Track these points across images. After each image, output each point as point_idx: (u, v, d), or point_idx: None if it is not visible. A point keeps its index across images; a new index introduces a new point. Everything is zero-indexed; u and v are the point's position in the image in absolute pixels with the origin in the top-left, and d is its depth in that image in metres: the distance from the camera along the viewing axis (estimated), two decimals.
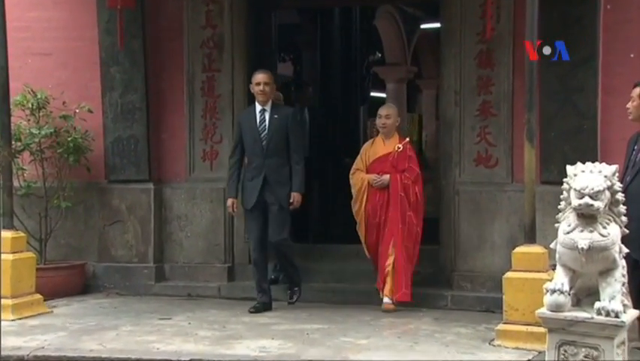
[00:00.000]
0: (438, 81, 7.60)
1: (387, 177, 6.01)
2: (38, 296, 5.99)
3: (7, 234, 5.88)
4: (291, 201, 5.90)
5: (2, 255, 5.77)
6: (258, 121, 5.99)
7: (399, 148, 6.04)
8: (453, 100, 6.44)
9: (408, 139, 6.25)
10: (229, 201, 6.04)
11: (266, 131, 5.96)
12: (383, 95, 14.27)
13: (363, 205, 6.09)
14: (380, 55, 13.45)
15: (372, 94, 14.16)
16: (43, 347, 4.76)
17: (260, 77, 6.02)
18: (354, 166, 6.20)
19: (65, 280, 6.69)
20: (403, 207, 5.95)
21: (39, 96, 6.73)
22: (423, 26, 13.10)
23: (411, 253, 5.99)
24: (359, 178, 6.12)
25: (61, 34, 7.06)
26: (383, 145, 6.14)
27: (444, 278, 6.44)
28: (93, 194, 6.99)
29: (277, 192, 5.92)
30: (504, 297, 5.02)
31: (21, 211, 6.62)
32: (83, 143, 6.81)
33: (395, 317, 5.82)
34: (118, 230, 6.92)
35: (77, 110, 6.79)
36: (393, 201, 5.98)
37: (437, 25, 7.44)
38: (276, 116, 5.98)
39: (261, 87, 5.97)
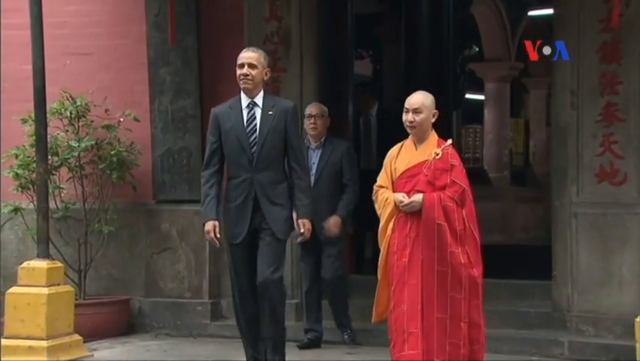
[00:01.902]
0: (549, 80, 7.46)
1: (419, 197, 4.84)
2: (77, 337, 6.12)
3: (42, 264, 6.05)
4: (302, 231, 5.13)
5: (36, 288, 5.96)
6: (245, 119, 5.08)
7: (437, 155, 4.93)
8: (569, 102, 6.31)
9: (450, 141, 5.07)
10: (209, 225, 5.05)
11: (257, 133, 5.05)
12: (481, 96, 14.11)
13: (387, 238, 4.95)
14: (478, 49, 13.32)
15: (468, 96, 14.03)
16: None
17: (243, 56, 5.12)
18: (376, 183, 5.10)
19: (107, 319, 6.83)
20: (442, 240, 4.77)
21: (78, 103, 6.93)
22: (531, 13, 12.92)
23: (459, 308, 4.75)
24: (383, 199, 4.98)
25: (104, 30, 7.26)
26: (414, 151, 4.99)
27: (559, 320, 6.29)
28: (139, 217, 7.14)
29: (272, 217, 5.05)
30: (638, 345, 4.86)
31: (57, 237, 6.81)
32: (128, 157, 6.98)
33: None
34: (168, 259, 7.02)
35: (122, 119, 6.96)
36: (426, 232, 4.80)
37: (549, 11, 7.31)
38: (270, 112, 5.08)
39: (244, 70, 5.07)
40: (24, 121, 6.76)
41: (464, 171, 4.96)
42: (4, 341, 6.07)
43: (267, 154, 5.05)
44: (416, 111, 4.96)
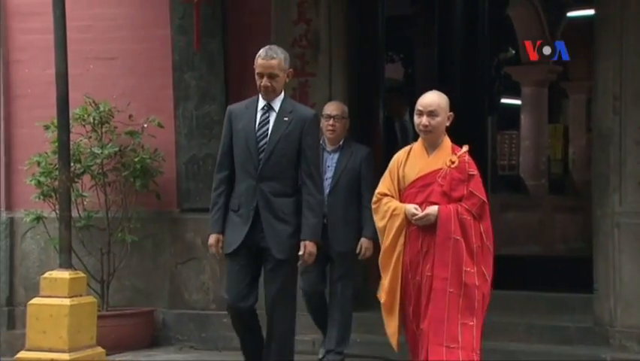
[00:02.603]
0: (590, 83, 7.41)
1: (434, 209, 4.52)
2: (100, 350, 6.17)
3: (64, 274, 6.10)
4: (301, 253, 4.77)
5: (59, 299, 6.03)
6: (257, 122, 4.85)
7: (452, 163, 4.58)
8: (611, 107, 6.27)
9: (466, 148, 4.69)
10: (212, 238, 4.90)
11: (267, 139, 4.80)
12: (518, 101, 14.05)
13: (399, 255, 4.60)
14: (514, 52, 13.26)
15: (504, 101, 13.97)
16: None
17: (263, 64, 4.83)
18: (377, 190, 4.76)
19: (131, 331, 6.89)
20: (458, 258, 4.46)
21: (102, 109, 7.02)
22: (570, 14, 12.85)
23: (471, 337, 4.46)
24: (389, 209, 4.62)
25: (128, 34, 7.34)
26: (427, 157, 4.64)
27: (601, 335, 6.25)
28: (163, 226, 7.21)
29: (272, 233, 4.75)
30: None
31: (80, 247, 6.89)
32: (152, 164, 7.05)
33: None
34: (193, 270, 7.08)
35: (145, 125, 7.04)
36: (440, 248, 4.48)
37: (589, 12, 7.29)
38: (286, 118, 4.82)
39: (264, 82, 4.83)
40: (46, 127, 6.86)
41: (482, 181, 4.67)
42: (26, 354, 6.15)
43: (275, 162, 4.77)
44: (431, 114, 4.62)
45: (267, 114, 4.85)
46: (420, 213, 4.50)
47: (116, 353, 6.54)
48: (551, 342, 6.37)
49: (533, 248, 11.38)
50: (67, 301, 6.01)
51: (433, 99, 4.66)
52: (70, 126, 6.50)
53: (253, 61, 7.08)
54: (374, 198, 4.73)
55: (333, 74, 7.01)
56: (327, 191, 5.63)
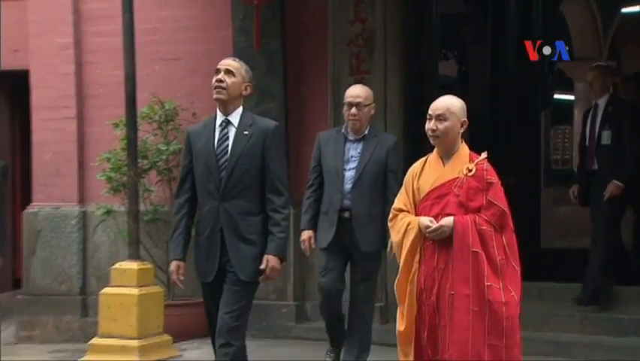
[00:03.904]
0: None
1: (449, 221, 4.01)
2: (167, 337, 6.29)
3: (133, 265, 6.24)
4: (262, 267, 4.35)
5: (128, 289, 6.16)
6: (216, 139, 4.41)
7: (470, 171, 4.06)
8: None
9: (485, 155, 4.15)
10: (172, 265, 4.51)
11: (227, 156, 4.38)
12: (571, 97, 13.83)
13: (414, 276, 4.07)
14: (567, 48, 13.07)
15: (557, 96, 13.77)
16: None
17: (222, 62, 4.49)
18: (393, 206, 4.26)
19: (196, 319, 6.93)
20: (478, 272, 3.93)
21: (167, 107, 7.12)
22: (624, 10, 12.60)
23: (501, 359, 3.92)
24: (404, 224, 4.11)
25: (192, 35, 7.44)
26: (442, 167, 4.14)
27: None
28: None
29: (237, 254, 4.35)
30: None
31: (147, 239, 7.00)
32: None
33: None
34: None
35: None
36: (458, 262, 3.96)
37: None
38: (246, 132, 4.39)
39: (219, 76, 4.42)
40: (116, 125, 6.99)
41: (502, 190, 4.10)
42: (99, 340, 6.29)
43: (237, 180, 4.35)
44: (439, 118, 4.08)
45: (225, 130, 4.42)
46: (433, 225, 4.00)
47: (182, 341, 6.63)
48: (605, 333, 6.28)
49: (586, 241, 11.19)
50: (135, 291, 6.14)
51: (442, 103, 4.14)
52: (138, 124, 6.64)
53: (311, 60, 7.21)
54: (390, 215, 4.24)
55: (388, 72, 6.99)
56: (350, 184, 5.22)
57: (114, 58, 7.06)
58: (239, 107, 4.45)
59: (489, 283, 3.91)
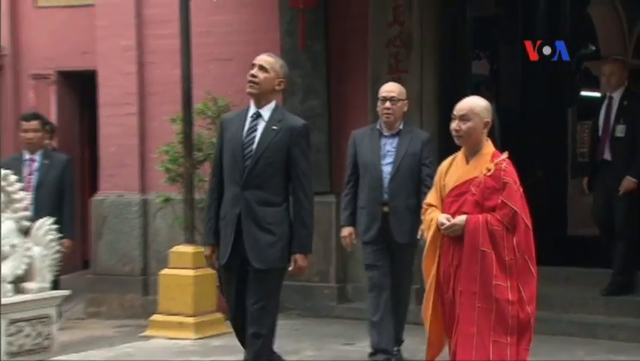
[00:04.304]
0: None
1: (462, 219, 3.84)
2: (219, 315, 6.30)
3: (188, 249, 6.27)
4: (291, 268, 4.21)
5: (184, 271, 6.18)
6: (245, 129, 4.27)
7: (489, 171, 3.86)
8: None
9: (506, 155, 3.96)
10: (207, 250, 4.39)
11: (253, 147, 4.23)
12: (597, 94, 13.53)
13: (436, 266, 3.95)
14: (594, 47, 12.78)
15: (584, 93, 13.50)
16: None
17: (258, 57, 4.31)
18: (425, 201, 4.17)
19: None
20: (487, 271, 3.76)
21: (220, 104, 7.11)
22: None
23: (504, 356, 3.73)
24: (429, 219, 4.01)
25: (242, 38, 7.42)
26: (465, 166, 3.96)
27: None
28: None
29: (253, 241, 4.16)
30: None
31: (201, 225, 6.97)
32: None
33: (616, 353, 5.45)
34: None
35: None
36: (467, 260, 3.80)
37: None
38: (275, 127, 4.23)
39: (253, 71, 4.26)
40: (173, 121, 7.00)
41: (521, 191, 3.87)
42: (158, 317, 6.33)
43: (260, 171, 4.19)
44: (463, 118, 3.91)
45: (255, 122, 4.26)
46: (447, 223, 3.85)
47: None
48: (629, 315, 6.13)
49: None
50: (191, 273, 6.16)
51: (466, 104, 3.95)
52: (193, 119, 6.64)
53: (352, 60, 7.14)
54: (422, 209, 4.14)
55: (424, 71, 6.91)
56: (388, 177, 5.05)
57: (172, 59, 7.07)
58: (271, 101, 4.29)
59: (497, 283, 3.73)
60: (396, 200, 5.05)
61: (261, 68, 4.23)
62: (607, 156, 6.45)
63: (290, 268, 4.22)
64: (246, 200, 4.18)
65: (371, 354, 5.16)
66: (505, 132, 7.59)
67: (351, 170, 5.25)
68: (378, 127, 5.19)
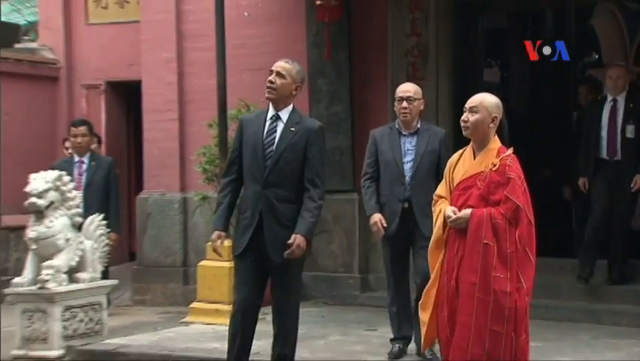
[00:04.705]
0: None
1: (467, 212, 3.70)
2: None
3: (224, 242, 6.24)
4: (290, 242, 4.10)
5: (220, 262, 6.18)
6: (265, 131, 4.23)
7: (494, 166, 3.72)
8: None
9: (511, 150, 3.82)
10: (214, 234, 4.35)
11: (273, 147, 4.19)
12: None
13: (442, 257, 3.82)
14: (597, 56, 12.60)
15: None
16: (258, 352, 4.97)
17: (275, 64, 4.27)
18: (435, 192, 4.03)
19: None
20: (487, 263, 3.60)
21: (252, 109, 7.10)
22: None
23: (500, 345, 3.58)
24: (437, 211, 3.89)
25: (273, 49, 7.40)
26: (472, 160, 3.82)
27: None
28: None
29: (272, 237, 4.14)
30: None
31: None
32: None
33: (618, 338, 5.34)
34: (324, 240, 7.06)
35: None
36: (470, 252, 3.66)
37: None
38: (293, 128, 4.19)
39: (270, 77, 4.22)
40: (210, 125, 7.01)
41: (524, 186, 3.71)
42: (197, 304, 6.35)
43: (280, 170, 4.15)
44: (472, 110, 3.77)
45: (274, 124, 4.22)
46: (453, 216, 3.71)
47: (265, 306, 6.62)
48: (630, 303, 6.02)
49: None
50: (227, 264, 6.14)
51: (477, 97, 3.82)
52: (228, 124, 6.64)
53: (373, 69, 7.09)
54: (433, 200, 4.00)
55: (440, 79, 6.86)
56: (409, 174, 4.87)
57: (209, 69, 7.08)
58: (289, 105, 4.24)
59: (496, 274, 3.58)
60: (417, 196, 4.90)
61: (278, 74, 4.19)
62: (618, 155, 6.23)
63: (289, 242, 4.09)
64: (267, 198, 4.13)
65: (392, 340, 5.11)
66: (514, 134, 7.48)
67: (371, 167, 5.06)
68: (396, 126, 5.01)
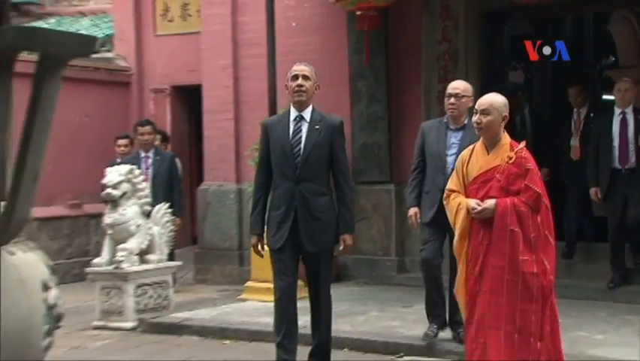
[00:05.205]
0: None
1: (491, 203, 3.62)
2: (300, 283, 6.25)
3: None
4: (341, 248, 4.10)
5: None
6: (291, 131, 4.11)
7: (510, 159, 3.65)
8: None
9: (523, 143, 3.76)
10: (253, 239, 4.21)
11: (301, 145, 4.08)
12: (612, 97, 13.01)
13: (466, 245, 3.71)
14: (614, 59, 12.27)
15: (605, 97, 13.00)
16: (305, 326, 4.95)
17: (297, 68, 4.12)
18: (447, 187, 3.89)
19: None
20: (514, 248, 3.55)
21: None
22: None
23: (529, 322, 3.52)
24: (455, 204, 3.74)
25: (318, 55, 7.35)
26: (486, 155, 3.73)
27: None
28: None
29: (307, 230, 4.03)
30: None
31: None
32: None
33: (633, 315, 5.20)
34: (364, 226, 7.02)
35: None
36: (497, 239, 3.58)
37: None
38: (317, 127, 4.09)
39: (299, 81, 4.08)
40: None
41: (539, 174, 3.70)
42: (252, 283, 6.38)
43: (310, 166, 4.04)
44: (484, 112, 3.69)
45: (299, 124, 4.10)
46: (478, 208, 3.62)
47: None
48: None
49: None
50: None
51: (486, 99, 3.73)
52: None
53: (408, 72, 7.01)
54: (444, 195, 3.87)
55: (469, 81, 6.58)
56: (450, 167, 4.48)
57: (261, 74, 7.07)
58: (310, 105, 4.15)
59: (523, 258, 3.52)
60: None
61: (305, 77, 4.10)
62: (630, 164, 5.88)
63: (340, 248, 4.09)
64: (301, 193, 4.04)
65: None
66: (536, 131, 7.32)
67: (418, 158, 4.86)
68: (445, 120, 4.75)
